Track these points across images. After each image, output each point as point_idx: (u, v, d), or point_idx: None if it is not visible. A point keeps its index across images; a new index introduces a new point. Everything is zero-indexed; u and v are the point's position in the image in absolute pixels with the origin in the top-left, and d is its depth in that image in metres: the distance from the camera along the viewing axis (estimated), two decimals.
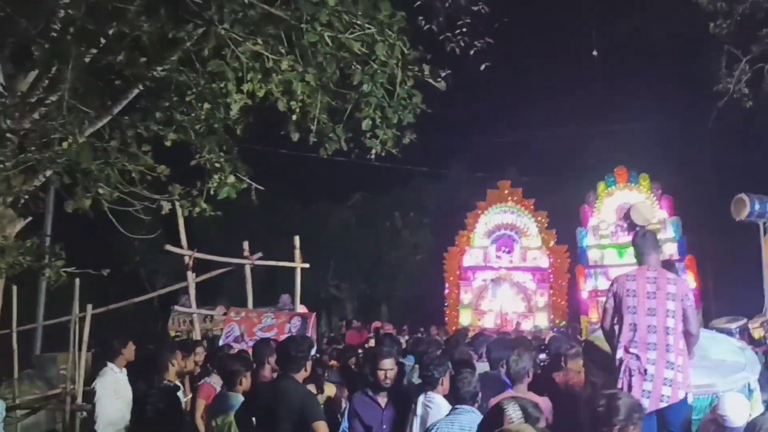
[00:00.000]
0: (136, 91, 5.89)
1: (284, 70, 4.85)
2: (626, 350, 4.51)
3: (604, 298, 5.06)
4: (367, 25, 4.77)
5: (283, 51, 4.89)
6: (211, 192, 6.18)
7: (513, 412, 3.55)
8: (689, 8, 13.50)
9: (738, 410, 4.00)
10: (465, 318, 19.26)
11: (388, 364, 4.98)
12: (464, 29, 6.65)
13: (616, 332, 4.70)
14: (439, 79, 5.47)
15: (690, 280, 16.86)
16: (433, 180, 27.39)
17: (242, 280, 9.45)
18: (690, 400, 4.43)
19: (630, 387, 4.41)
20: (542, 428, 3.32)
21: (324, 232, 25.54)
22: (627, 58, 20.44)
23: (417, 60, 5.23)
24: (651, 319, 4.49)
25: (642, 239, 4.87)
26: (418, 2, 6.58)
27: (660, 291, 4.53)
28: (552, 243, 19.73)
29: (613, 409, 3.20)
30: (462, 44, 6.64)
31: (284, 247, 9.70)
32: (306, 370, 4.60)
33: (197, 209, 6.37)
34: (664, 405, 4.35)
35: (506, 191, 20.40)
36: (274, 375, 5.11)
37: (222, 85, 5.51)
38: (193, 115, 6.05)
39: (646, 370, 4.40)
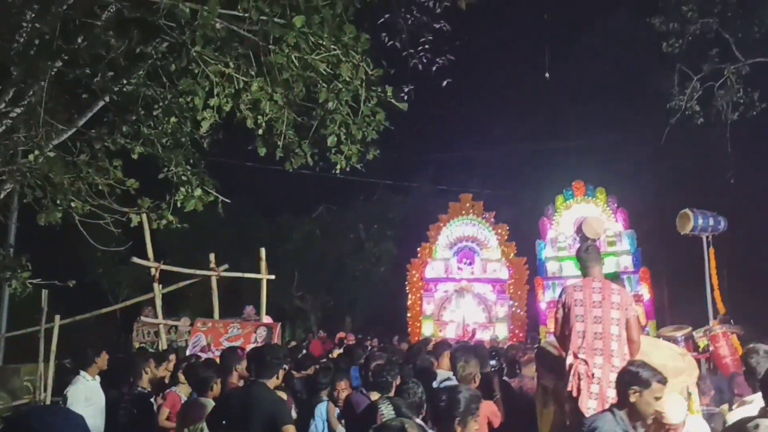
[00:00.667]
0: (101, 104, 5.96)
1: (254, 91, 5.01)
2: (575, 356, 4.76)
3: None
4: (332, 47, 4.98)
5: (252, 73, 5.05)
6: (179, 204, 6.28)
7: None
8: (643, 28, 14.10)
9: (676, 410, 4.27)
10: (427, 329, 19.45)
11: None
12: (426, 46, 6.92)
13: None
14: (402, 95, 5.71)
15: (644, 292, 17.40)
16: (397, 193, 27.66)
17: (206, 292, 9.50)
18: None
19: (579, 390, 4.67)
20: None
21: (289, 244, 25.55)
22: (585, 76, 21.05)
23: (380, 80, 5.44)
24: (597, 327, 4.76)
25: (585, 253, 5.14)
26: (382, 20, 6.81)
27: (605, 300, 4.81)
28: (512, 255, 20.05)
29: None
30: (424, 60, 6.91)
31: (250, 258, 9.78)
32: (278, 378, 4.74)
33: (164, 221, 6.48)
34: None
35: (468, 204, 20.70)
36: (241, 383, 5.23)
37: (189, 100, 5.63)
38: (160, 128, 6.16)
39: (593, 374, 4.66)
